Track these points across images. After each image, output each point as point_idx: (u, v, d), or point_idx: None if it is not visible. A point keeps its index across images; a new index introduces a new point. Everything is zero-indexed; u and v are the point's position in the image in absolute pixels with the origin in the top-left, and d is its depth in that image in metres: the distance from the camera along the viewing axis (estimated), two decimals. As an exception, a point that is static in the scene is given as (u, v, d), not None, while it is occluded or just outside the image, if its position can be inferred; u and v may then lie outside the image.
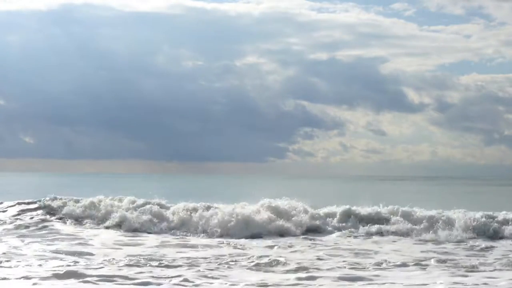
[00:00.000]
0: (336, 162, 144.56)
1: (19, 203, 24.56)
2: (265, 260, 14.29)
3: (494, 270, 13.73)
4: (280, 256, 14.87)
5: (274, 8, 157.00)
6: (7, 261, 13.72)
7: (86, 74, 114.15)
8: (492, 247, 17.28)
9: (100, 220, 21.64)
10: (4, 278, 11.87)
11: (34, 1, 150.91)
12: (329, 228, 20.53)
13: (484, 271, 13.57)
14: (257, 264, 13.91)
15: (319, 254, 15.63)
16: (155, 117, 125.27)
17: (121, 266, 13.36)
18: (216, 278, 12.34)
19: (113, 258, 14.29)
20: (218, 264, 13.90)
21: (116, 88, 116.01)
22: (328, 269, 13.44)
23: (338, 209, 21.50)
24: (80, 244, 16.81)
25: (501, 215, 20.45)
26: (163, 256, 14.95)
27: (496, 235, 19.24)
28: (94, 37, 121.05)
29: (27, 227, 20.69)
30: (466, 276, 12.93)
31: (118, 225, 20.84)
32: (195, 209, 21.44)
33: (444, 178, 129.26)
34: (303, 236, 19.38)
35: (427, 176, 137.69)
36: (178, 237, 19.21)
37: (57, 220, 22.16)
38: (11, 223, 21.29)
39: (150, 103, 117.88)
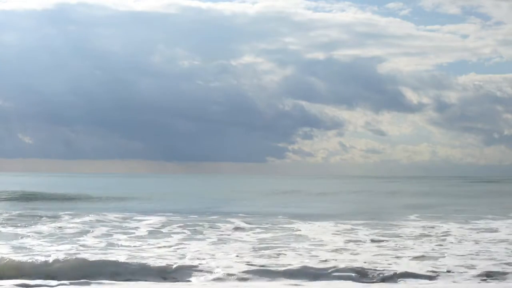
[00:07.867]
0: (335, 162, 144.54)
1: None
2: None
3: None
4: None
5: (270, 7, 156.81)
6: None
7: (81, 74, 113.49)
8: None
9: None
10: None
11: (29, 1, 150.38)
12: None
13: None
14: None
15: None
16: (154, 117, 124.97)
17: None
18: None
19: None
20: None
21: (112, 88, 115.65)
22: None
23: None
24: None
25: None
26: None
27: None
28: (89, 37, 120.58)
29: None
30: None
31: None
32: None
33: (445, 178, 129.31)
34: None
35: (427, 176, 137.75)
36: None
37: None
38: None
39: (147, 103, 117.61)
